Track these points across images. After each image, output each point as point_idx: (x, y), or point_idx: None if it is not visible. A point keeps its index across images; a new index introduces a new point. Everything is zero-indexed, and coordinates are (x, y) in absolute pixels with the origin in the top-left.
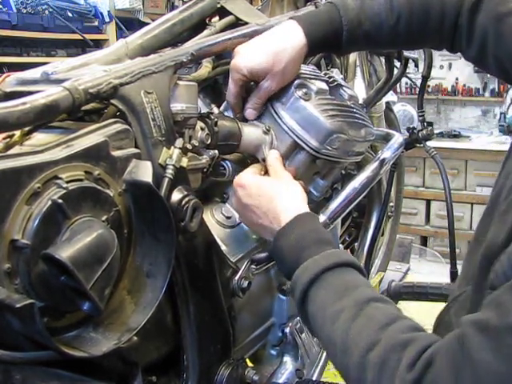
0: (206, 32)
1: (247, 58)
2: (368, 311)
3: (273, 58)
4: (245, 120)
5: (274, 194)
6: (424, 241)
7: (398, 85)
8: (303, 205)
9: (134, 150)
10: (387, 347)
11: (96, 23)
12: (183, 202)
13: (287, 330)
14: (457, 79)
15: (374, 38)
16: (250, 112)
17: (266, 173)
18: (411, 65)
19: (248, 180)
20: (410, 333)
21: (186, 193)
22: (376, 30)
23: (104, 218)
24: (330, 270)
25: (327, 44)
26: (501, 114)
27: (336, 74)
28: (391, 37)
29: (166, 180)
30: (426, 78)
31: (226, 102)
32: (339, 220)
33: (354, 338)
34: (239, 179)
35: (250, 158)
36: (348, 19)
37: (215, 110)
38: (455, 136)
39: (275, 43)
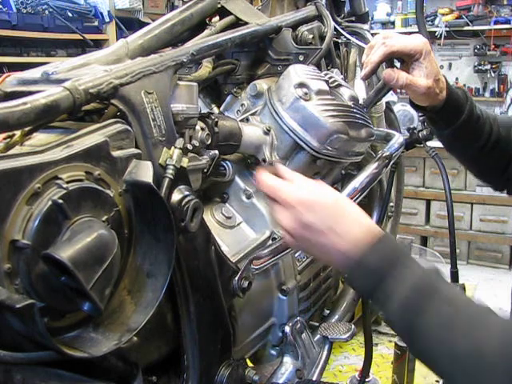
0: (206, 32)
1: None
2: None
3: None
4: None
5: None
6: (424, 241)
7: None
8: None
9: (134, 150)
10: None
11: (96, 23)
12: (183, 202)
13: (287, 329)
14: (457, 79)
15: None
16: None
17: None
18: None
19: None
20: None
21: (186, 193)
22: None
23: (104, 218)
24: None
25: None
26: (501, 113)
27: (336, 74)
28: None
29: (167, 180)
30: None
31: (225, 102)
32: None
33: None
34: (297, 196)
35: (251, 158)
36: (471, 100)
37: (215, 110)
38: None
39: None
